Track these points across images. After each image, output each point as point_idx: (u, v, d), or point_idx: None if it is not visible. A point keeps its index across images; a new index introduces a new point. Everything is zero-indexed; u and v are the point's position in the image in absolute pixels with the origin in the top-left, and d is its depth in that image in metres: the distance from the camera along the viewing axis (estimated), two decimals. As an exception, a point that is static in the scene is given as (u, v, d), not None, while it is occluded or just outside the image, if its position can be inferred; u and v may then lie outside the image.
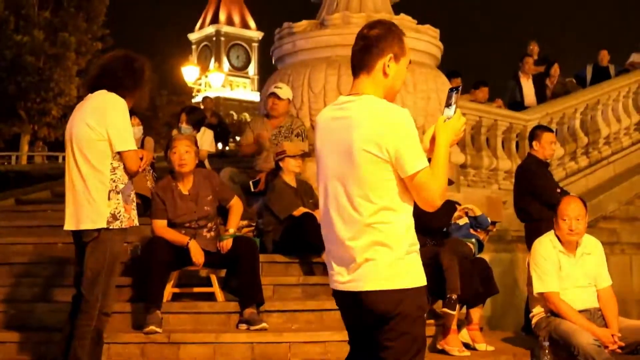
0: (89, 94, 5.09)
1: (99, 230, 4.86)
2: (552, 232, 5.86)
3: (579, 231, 5.74)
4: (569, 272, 5.74)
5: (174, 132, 8.54)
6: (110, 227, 4.86)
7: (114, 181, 4.89)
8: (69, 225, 5.00)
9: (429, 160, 3.10)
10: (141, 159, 5.02)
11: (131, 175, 5.00)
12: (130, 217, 4.96)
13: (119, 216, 4.89)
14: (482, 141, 10.24)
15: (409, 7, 9.48)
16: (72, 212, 4.97)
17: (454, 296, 6.10)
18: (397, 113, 3.07)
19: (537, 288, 5.75)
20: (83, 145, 4.90)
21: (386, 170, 3.05)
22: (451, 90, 3.25)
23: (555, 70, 14.29)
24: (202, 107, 15.45)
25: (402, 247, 3.07)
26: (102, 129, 4.84)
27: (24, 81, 30.19)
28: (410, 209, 3.13)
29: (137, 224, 5.10)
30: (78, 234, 4.99)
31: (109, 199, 4.86)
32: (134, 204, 5.06)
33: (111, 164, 4.89)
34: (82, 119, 4.94)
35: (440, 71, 9.44)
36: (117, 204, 4.89)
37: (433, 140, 3.19)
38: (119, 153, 4.90)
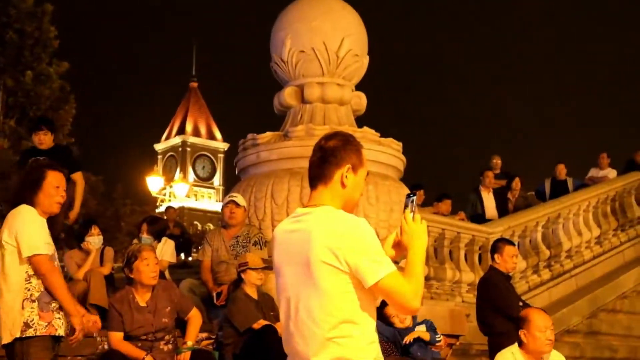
0: None
1: (14, 340, 4.87)
2: (515, 345, 5.75)
3: (553, 341, 5.65)
4: None
5: (135, 241, 8.45)
6: (24, 336, 4.85)
7: (28, 289, 4.93)
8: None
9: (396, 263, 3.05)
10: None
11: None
12: (49, 325, 4.91)
13: (32, 324, 4.88)
14: (445, 253, 10.24)
15: (371, 121, 9.61)
16: None
17: None
18: (353, 223, 3.03)
19: None
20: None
21: (345, 281, 2.99)
22: (408, 196, 3.23)
23: (517, 184, 14.50)
24: (165, 217, 15.37)
25: (365, 362, 2.99)
26: (12, 239, 4.95)
27: (-15, 189, 29.94)
28: (373, 321, 3.07)
29: (63, 334, 5.01)
30: (5, 348, 4.99)
31: (22, 307, 4.89)
32: (59, 313, 5.00)
33: (26, 272, 4.94)
34: None
35: (403, 184, 9.51)
36: (31, 312, 4.90)
37: (396, 246, 3.16)
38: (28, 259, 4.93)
